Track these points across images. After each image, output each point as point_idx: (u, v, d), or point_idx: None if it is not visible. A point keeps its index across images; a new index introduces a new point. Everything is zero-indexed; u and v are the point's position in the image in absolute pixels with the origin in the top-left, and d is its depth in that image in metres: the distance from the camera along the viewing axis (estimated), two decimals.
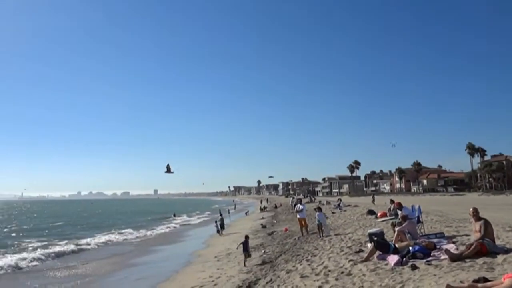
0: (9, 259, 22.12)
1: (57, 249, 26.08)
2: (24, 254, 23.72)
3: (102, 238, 32.95)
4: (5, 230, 46.06)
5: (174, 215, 66.02)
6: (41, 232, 40.65)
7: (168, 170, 17.31)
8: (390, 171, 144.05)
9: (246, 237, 17.40)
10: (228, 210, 58.83)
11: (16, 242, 31.69)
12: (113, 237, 34.10)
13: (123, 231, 38.99)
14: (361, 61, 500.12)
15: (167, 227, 44.48)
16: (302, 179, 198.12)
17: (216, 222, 32.25)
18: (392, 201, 22.76)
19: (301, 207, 20.47)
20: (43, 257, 22.84)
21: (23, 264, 20.77)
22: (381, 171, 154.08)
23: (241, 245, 16.40)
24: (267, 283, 10.19)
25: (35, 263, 21.59)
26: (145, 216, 66.73)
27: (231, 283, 12.36)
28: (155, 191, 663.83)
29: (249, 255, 16.02)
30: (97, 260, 22.94)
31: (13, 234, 39.94)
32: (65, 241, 30.68)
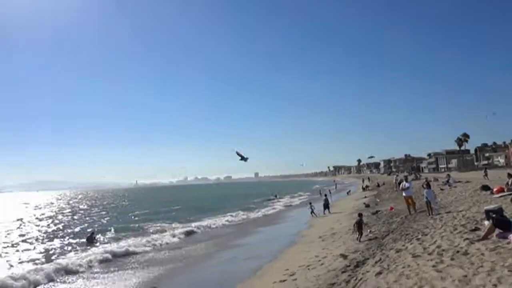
0: (130, 242, 24.54)
1: (172, 231, 28.31)
2: (142, 238, 26.13)
3: (211, 220, 35.04)
4: (129, 214, 50.94)
5: (276, 196, 67.47)
6: (158, 216, 44.29)
7: (242, 158, 17.63)
8: (504, 143, 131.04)
9: (360, 215, 17.39)
10: (329, 190, 58.42)
11: (137, 226, 35.05)
12: (221, 219, 35.97)
13: (229, 213, 40.89)
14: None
15: (272, 209, 45.76)
16: (405, 155, 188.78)
17: (310, 204, 31.85)
18: (509, 175, 20.77)
19: (407, 184, 19.66)
20: (160, 239, 24.99)
21: (141, 246, 22.77)
22: (494, 143, 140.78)
23: (356, 224, 16.49)
24: (376, 262, 9.97)
25: (154, 243, 23.74)
26: (249, 199, 68.95)
27: (338, 263, 12.34)
28: (256, 174, 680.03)
29: (361, 233, 16.02)
30: (207, 240, 24.49)
31: (136, 218, 44.13)
32: (179, 224, 33.24)
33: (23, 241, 28.49)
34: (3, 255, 22.52)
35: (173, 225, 33.39)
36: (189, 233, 27.92)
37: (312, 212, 30.44)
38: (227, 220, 35.19)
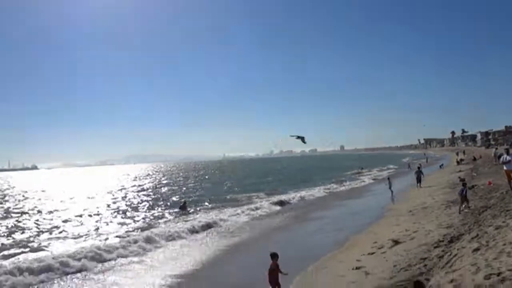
0: (221, 211, 25.83)
1: (262, 202, 29.37)
2: (233, 208, 27.37)
3: (301, 192, 35.71)
4: (220, 185, 53.61)
5: (362, 169, 66.26)
6: (248, 187, 46.19)
7: (302, 139, 17.45)
8: None
9: (464, 184, 16.92)
10: (420, 164, 55.90)
11: (228, 197, 36.81)
12: (310, 191, 36.53)
13: (318, 186, 41.43)
14: None
15: (361, 182, 45.30)
16: (506, 127, 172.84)
17: (388, 179, 30.00)
18: None
19: (508, 158, 18.16)
20: (251, 210, 26.07)
21: (232, 216, 23.92)
22: None
23: (460, 194, 16.19)
24: (472, 238, 9.52)
25: (245, 213, 24.91)
26: (336, 171, 68.43)
27: (430, 238, 11.99)
28: (342, 147, 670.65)
29: (468, 202, 15.69)
30: (296, 211, 25.24)
31: (227, 189, 46.45)
32: (269, 195, 34.47)
33: (127, 208, 31.47)
34: (112, 221, 25.09)
35: (263, 195, 34.58)
36: (279, 204, 28.76)
37: (390, 188, 28.02)
38: (316, 192, 35.62)
